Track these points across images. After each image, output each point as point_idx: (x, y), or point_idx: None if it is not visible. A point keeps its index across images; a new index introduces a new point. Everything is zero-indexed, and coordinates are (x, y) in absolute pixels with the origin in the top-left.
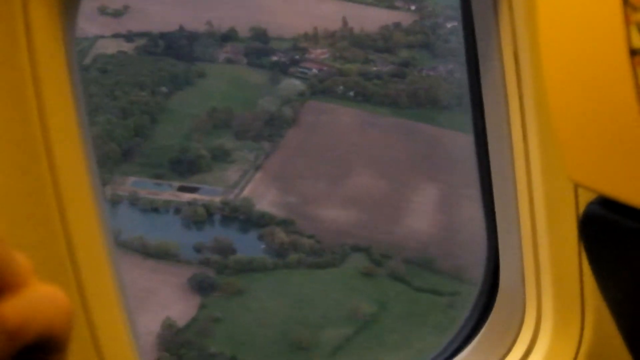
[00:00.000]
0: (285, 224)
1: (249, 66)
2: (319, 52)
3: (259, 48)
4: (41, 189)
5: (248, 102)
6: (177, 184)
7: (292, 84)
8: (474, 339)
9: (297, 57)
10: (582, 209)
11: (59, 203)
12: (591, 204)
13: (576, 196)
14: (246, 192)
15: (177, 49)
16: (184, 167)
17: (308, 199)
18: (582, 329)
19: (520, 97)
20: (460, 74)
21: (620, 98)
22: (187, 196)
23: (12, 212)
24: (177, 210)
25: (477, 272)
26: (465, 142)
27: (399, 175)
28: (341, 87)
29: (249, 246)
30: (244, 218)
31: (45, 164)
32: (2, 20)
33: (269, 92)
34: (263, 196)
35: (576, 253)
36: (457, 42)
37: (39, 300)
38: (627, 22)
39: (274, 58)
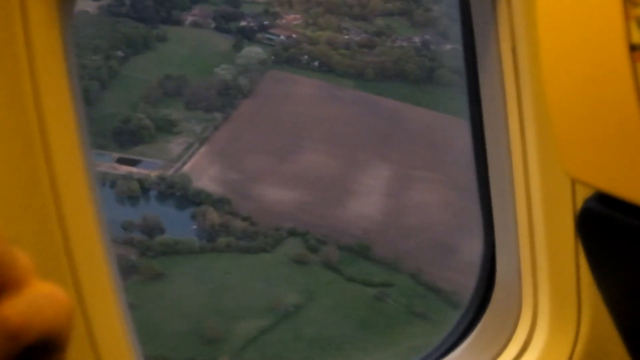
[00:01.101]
0: (221, 203)
1: (216, 31)
2: (291, 18)
3: (229, 12)
4: (38, 183)
5: (206, 70)
6: (118, 155)
7: (254, 52)
8: (470, 335)
9: (266, 22)
10: (579, 204)
11: (55, 197)
12: (588, 200)
13: (573, 192)
14: (188, 167)
15: (142, 10)
16: (126, 137)
17: (252, 176)
18: (578, 325)
19: (518, 92)
20: (436, 45)
21: (619, 93)
22: (125, 169)
23: (8, 206)
24: (113, 184)
25: (415, 261)
26: (428, 118)
27: (352, 153)
28: (306, 57)
29: (180, 226)
30: (180, 195)
31: (42, 158)
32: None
33: (230, 59)
34: (204, 171)
35: (573, 249)
36: (439, 11)
37: (41, 300)
38: (627, 17)
39: (243, 23)
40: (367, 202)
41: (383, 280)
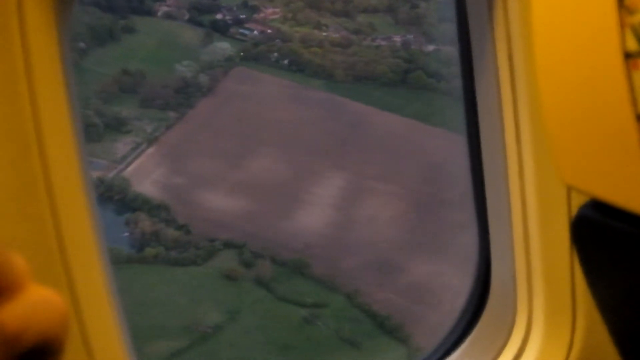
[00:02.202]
0: (158, 209)
1: (189, 23)
2: (270, 12)
3: (205, 3)
4: (33, 186)
5: (170, 65)
6: None
7: (220, 48)
8: (465, 341)
9: (243, 16)
10: (574, 211)
11: (50, 200)
12: (583, 207)
13: (569, 199)
14: (132, 168)
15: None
16: None
17: (197, 181)
18: (573, 331)
19: (514, 99)
20: (417, 45)
21: (613, 101)
22: None
23: (3, 209)
24: None
25: (354, 280)
26: (395, 124)
27: (308, 159)
28: (275, 54)
29: (114, 233)
30: (119, 199)
31: (38, 161)
32: None
33: (196, 54)
34: (148, 174)
35: (568, 256)
36: (426, 9)
37: (37, 305)
38: (622, 24)
39: (218, 16)
40: (313, 213)
41: (316, 301)
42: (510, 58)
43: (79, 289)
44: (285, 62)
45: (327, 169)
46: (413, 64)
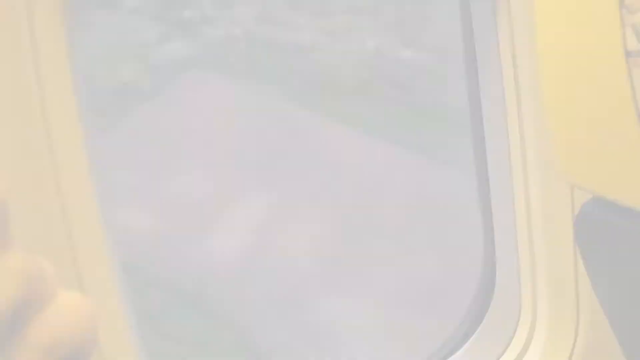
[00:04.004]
0: None
1: (155, 20)
2: (243, 11)
3: None
4: (42, 185)
5: (118, 66)
6: None
7: (175, 49)
8: (469, 339)
9: (212, 14)
10: (578, 209)
11: (60, 199)
12: (586, 204)
13: (572, 196)
14: None
15: None
16: None
17: (108, 195)
18: (576, 329)
19: (518, 97)
20: (392, 51)
21: (616, 99)
22: None
23: (12, 206)
24: None
25: (248, 317)
26: (342, 139)
27: (237, 175)
28: (233, 58)
29: None
30: None
31: (47, 160)
32: (4, 14)
33: (147, 56)
34: None
35: (572, 253)
36: (412, 11)
37: (71, 312)
38: (623, 24)
39: (187, 13)
40: (223, 237)
41: (200, 339)
42: (514, 58)
43: (88, 286)
44: (242, 66)
45: (255, 186)
46: (379, 72)
